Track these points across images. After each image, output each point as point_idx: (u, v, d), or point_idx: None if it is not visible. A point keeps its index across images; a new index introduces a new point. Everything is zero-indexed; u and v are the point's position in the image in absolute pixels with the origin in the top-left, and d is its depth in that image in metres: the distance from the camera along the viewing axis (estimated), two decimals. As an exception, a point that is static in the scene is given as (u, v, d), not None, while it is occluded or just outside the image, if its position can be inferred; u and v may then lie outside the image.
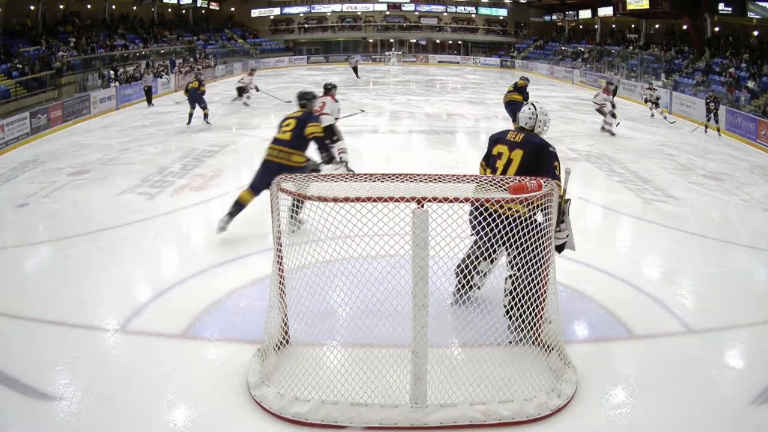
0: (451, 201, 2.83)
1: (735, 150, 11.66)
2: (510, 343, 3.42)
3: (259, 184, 5.37)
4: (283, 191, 3.04)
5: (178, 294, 4.34)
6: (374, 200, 2.85)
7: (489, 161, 3.87)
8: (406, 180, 3.25)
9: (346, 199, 2.80)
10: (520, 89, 11.28)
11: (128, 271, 4.79)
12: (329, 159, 5.74)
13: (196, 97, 12.37)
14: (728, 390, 3.25)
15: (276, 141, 5.38)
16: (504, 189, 3.13)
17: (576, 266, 4.75)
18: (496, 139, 3.88)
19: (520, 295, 3.28)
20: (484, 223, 3.23)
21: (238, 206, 5.48)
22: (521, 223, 3.17)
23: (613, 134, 11.71)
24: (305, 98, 5.61)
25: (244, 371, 3.26)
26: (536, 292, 3.29)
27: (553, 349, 3.36)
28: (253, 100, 15.98)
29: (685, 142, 12.00)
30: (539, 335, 3.35)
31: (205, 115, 12.51)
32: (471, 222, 3.56)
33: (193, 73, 14.69)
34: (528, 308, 3.24)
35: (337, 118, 7.98)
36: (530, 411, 2.92)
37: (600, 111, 11.99)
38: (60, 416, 2.94)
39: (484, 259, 3.50)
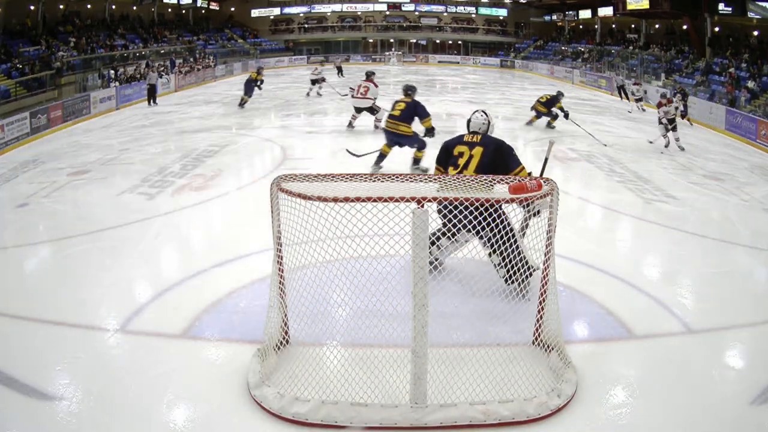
0: (451, 201, 2.83)
1: (735, 150, 11.67)
2: (506, 282, 3.77)
3: (389, 143, 7.77)
4: (283, 191, 3.04)
5: (178, 294, 4.34)
6: (374, 200, 2.85)
7: (449, 161, 4.27)
8: (406, 180, 3.26)
9: (346, 199, 2.80)
10: (546, 103, 12.10)
11: (128, 271, 4.79)
12: (431, 136, 7.71)
13: (248, 85, 14.81)
14: (728, 390, 3.25)
15: (391, 116, 7.67)
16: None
17: (576, 266, 4.76)
18: (455, 143, 4.34)
19: (506, 260, 3.50)
20: (451, 207, 3.28)
21: (382, 157, 7.79)
22: (485, 211, 3.25)
23: (682, 149, 10.51)
24: (410, 90, 7.86)
25: (244, 371, 3.26)
26: (516, 248, 3.45)
27: (553, 349, 3.36)
28: (254, 99, 16.03)
29: (685, 142, 11.98)
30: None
31: (244, 101, 14.77)
32: (440, 211, 3.59)
33: (255, 69, 16.60)
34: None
35: (375, 98, 10.91)
36: (530, 411, 2.92)
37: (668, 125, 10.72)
38: (60, 416, 2.94)
39: (443, 234, 3.80)
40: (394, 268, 3.17)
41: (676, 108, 10.85)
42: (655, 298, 4.34)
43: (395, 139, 7.65)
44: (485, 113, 4.54)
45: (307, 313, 3.30)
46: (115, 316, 3.96)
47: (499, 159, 4.14)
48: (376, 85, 11.01)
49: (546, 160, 4.69)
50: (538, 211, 4.06)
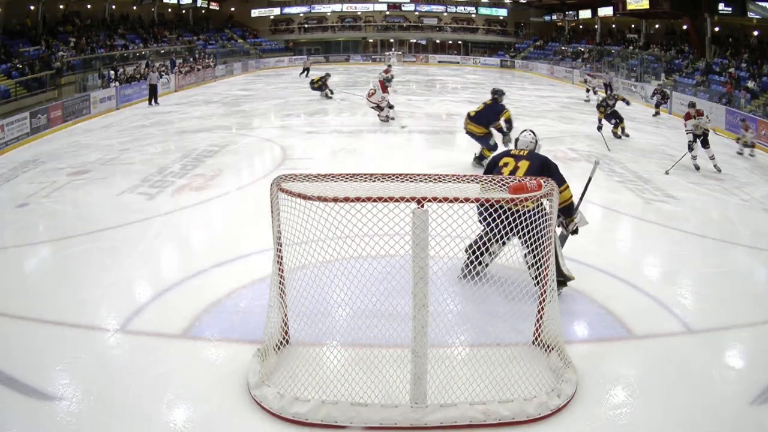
0: (451, 201, 2.83)
1: (735, 150, 11.64)
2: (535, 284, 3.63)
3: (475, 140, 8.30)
4: (283, 191, 3.05)
5: (178, 294, 4.34)
6: (374, 200, 2.86)
7: (493, 172, 4.35)
8: (406, 180, 3.26)
9: (346, 199, 2.80)
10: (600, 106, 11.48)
11: (128, 271, 4.79)
12: (506, 130, 8.21)
13: (313, 86, 17.13)
14: (728, 390, 3.25)
15: (468, 115, 8.18)
16: (504, 189, 3.15)
17: (576, 266, 4.75)
18: (502, 155, 4.49)
19: (541, 269, 3.42)
20: (495, 215, 3.40)
21: (481, 158, 8.22)
22: (530, 215, 3.30)
23: (719, 170, 8.91)
24: (497, 93, 8.29)
25: (244, 371, 3.26)
26: (551, 262, 3.39)
27: (553, 349, 3.36)
28: (255, 99, 16.18)
29: (685, 143, 11.97)
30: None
31: (325, 95, 16.99)
32: (481, 214, 3.82)
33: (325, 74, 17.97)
34: (549, 273, 3.36)
35: (378, 101, 12.01)
36: (530, 411, 2.92)
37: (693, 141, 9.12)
38: (60, 416, 2.94)
39: (496, 241, 3.82)
40: (394, 268, 3.17)
41: (708, 120, 9.07)
42: (655, 298, 4.34)
43: (470, 137, 8.30)
44: (533, 133, 4.74)
45: (307, 313, 3.30)
46: (115, 316, 3.96)
47: (541, 171, 4.23)
48: (385, 90, 12.10)
49: (589, 179, 4.74)
50: (577, 230, 4.39)
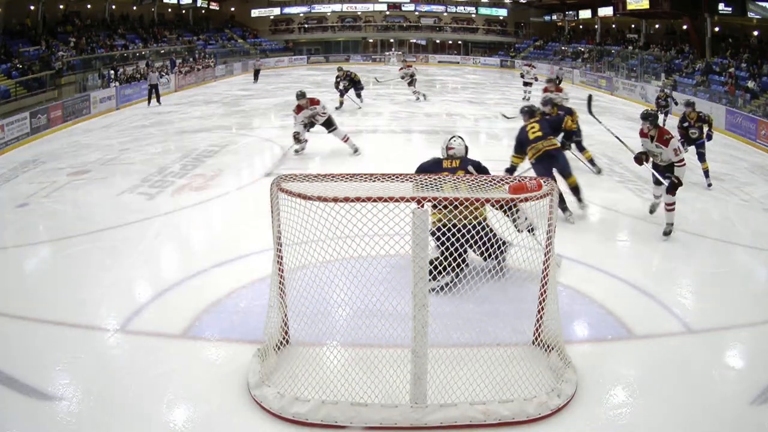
0: (451, 201, 2.83)
1: (735, 150, 11.64)
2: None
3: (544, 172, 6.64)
4: (283, 191, 3.05)
5: (178, 294, 4.34)
6: (374, 200, 2.86)
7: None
8: (406, 180, 3.26)
9: (346, 199, 2.80)
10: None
11: (128, 271, 4.79)
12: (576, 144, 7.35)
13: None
14: (728, 390, 3.25)
15: (536, 140, 6.36)
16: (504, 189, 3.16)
17: (576, 266, 4.76)
18: (426, 170, 4.29)
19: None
20: (451, 237, 3.31)
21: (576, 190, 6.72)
22: (482, 227, 3.38)
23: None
24: (529, 110, 6.88)
25: (244, 371, 3.26)
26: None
27: (553, 349, 3.36)
28: (254, 97, 15.98)
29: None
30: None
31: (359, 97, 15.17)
32: (433, 234, 3.70)
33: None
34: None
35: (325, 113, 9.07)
36: (530, 411, 2.92)
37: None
38: (60, 416, 2.94)
39: (447, 274, 3.52)
40: (394, 268, 3.17)
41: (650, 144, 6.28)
42: (655, 298, 4.34)
43: (552, 154, 6.28)
44: (462, 138, 4.69)
45: (307, 313, 3.30)
46: (115, 316, 3.96)
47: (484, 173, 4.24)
48: (299, 111, 8.80)
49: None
50: (521, 231, 4.11)
